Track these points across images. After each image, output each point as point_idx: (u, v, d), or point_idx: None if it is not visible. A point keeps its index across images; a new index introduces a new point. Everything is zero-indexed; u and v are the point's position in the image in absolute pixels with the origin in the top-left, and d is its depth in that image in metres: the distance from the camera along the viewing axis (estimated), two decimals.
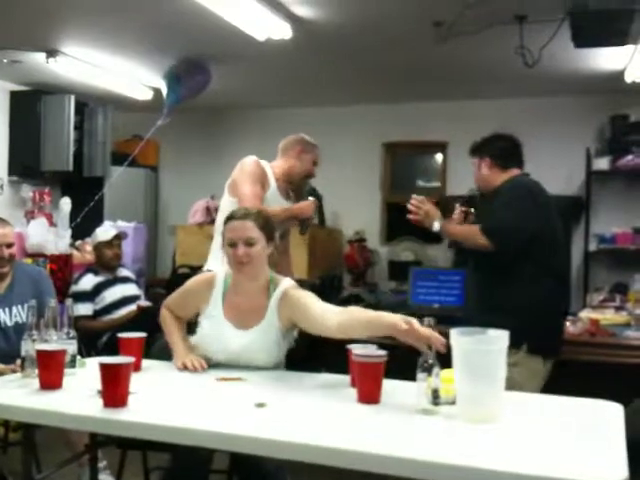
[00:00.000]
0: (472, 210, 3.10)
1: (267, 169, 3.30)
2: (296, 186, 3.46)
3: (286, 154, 3.42)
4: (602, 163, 5.46)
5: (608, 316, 3.64)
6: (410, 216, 2.97)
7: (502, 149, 3.04)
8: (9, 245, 3.03)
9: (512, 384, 2.40)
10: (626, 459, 1.42)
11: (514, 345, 2.51)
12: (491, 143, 3.07)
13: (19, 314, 3.02)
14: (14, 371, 2.41)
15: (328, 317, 2.17)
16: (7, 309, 3.01)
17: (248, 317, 2.34)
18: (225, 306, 2.38)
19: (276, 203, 3.28)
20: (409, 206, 2.96)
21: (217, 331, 2.36)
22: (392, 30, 4.24)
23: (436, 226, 2.92)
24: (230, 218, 2.38)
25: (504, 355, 1.68)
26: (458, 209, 3.12)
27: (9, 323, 3.00)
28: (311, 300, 2.28)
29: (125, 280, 4.27)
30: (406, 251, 6.01)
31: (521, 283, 2.78)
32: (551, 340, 2.83)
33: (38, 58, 4.86)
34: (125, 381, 1.84)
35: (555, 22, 3.73)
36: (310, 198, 3.39)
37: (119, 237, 4.34)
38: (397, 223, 6.49)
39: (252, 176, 3.18)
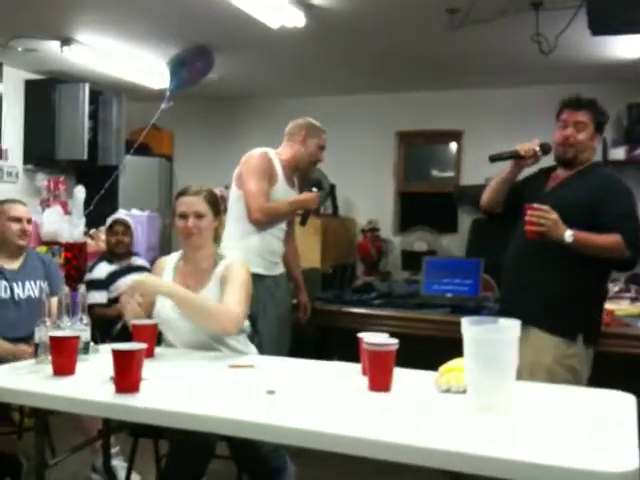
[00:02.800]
0: (540, 156, 2.80)
1: (274, 160, 3.28)
2: (303, 172, 3.44)
3: (291, 139, 3.40)
4: (618, 153, 5.40)
5: (623, 307, 3.61)
6: (531, 228, 2.57)
7: (605, 122, 2.75)
8: (29, 221, 3.38)
9: (573, 374, 2.42)
10: (638, 450, 1.41)
11: (572, 336, 2.56)
12: (600, 108, 2.73)
13: (32, 289, 3.29)
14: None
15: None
16: (20, 283, 3.27)
17: (194, 282, 2.53)
18: (176, 277, 2.59)
19: (285, 194, 3.28)
20: (527, 217, 2.58)
21: (166, 300, 2.48)
22: (406, 18, 4.21)
23: (568, 237, 2.53)
24: (183, 194, 2.59)
25: (515, 344, 1.67)
26: (535, 143, 2.79)
27: (22, 296, 3.26)
28: (234, 286, 2.45)
29: (140, 269, 4.28)
30: (419, 241, 5.99)
31: (596, 279, 2.69)
32: (599, 330, 2.77)
33: (53, 46, 4.87)
34: (137, 367, 1.85)
35: (571, 9, 3.69)
36: (314, 189, 3.36)
37: (120, 223, 4.34)
38: (411, 213, 6.48)
39: (258, 171, 3.17)
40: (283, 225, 3.37)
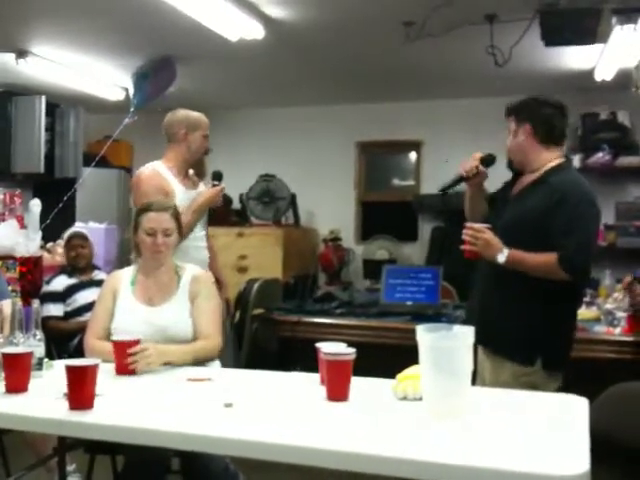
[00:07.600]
0: (485, 170, 2.61)
1: (164, 172, 3.22)
2: (197, 166, 3.40)
3: (173, 141, 3.31)
4: (573, 161, 5.50)
5: (579, 311, 3.66)
6: (465, 247, 2.48)
7: (549, 116, 2.52)
8: None
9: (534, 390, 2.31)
10: (588, 453, 1.44)
11: (529, 361, 2.43)
12: (535, 107, 2.55)
13: None
14: None
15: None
16: None
17: (158, 295, 2.55)
18: (135, 290, 2.57)
19: (187, 200, 3.21)
20: (463, 236, 2.48)
21: (130, 313, 2.50)
22: (364, 30, 4.26)
23: (501, 258, 2.41)
24: (148, 209, 2.56)
25: (470, 351, 1.68)
26: (476, 159, 2.60)
27: None
28: (210, 311, 2.53)
29: (101, 283, 4.21)
30: (381, 249, 6.04)
31: (558, 302, 2.46)
32: (565, 355, 2.59)
33: (8, 59, 4.80)
34: (91, 383, 1.81)
35: (525, 21, 3.77)
36: (215, 183, 3.32)
37: (77, 236, 4.26)
38: (372, 222, 6.52)
39: (151, 196, 3.01)
40: (203, 232, 3.35)
